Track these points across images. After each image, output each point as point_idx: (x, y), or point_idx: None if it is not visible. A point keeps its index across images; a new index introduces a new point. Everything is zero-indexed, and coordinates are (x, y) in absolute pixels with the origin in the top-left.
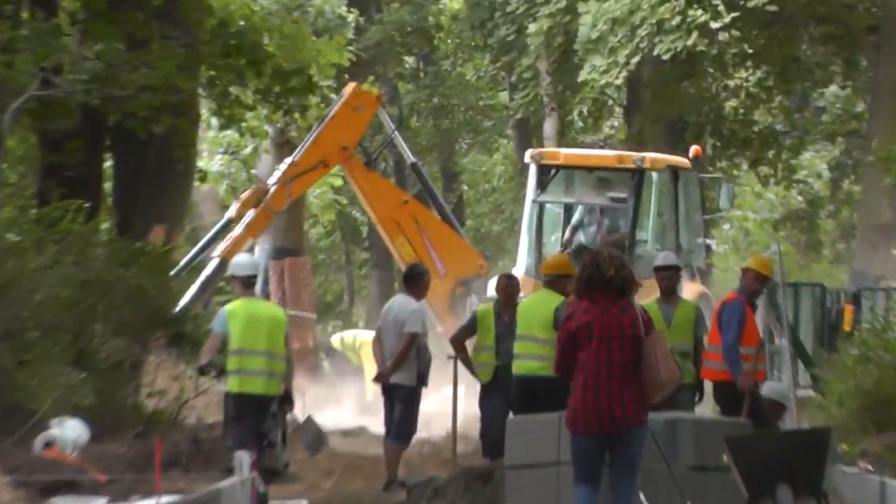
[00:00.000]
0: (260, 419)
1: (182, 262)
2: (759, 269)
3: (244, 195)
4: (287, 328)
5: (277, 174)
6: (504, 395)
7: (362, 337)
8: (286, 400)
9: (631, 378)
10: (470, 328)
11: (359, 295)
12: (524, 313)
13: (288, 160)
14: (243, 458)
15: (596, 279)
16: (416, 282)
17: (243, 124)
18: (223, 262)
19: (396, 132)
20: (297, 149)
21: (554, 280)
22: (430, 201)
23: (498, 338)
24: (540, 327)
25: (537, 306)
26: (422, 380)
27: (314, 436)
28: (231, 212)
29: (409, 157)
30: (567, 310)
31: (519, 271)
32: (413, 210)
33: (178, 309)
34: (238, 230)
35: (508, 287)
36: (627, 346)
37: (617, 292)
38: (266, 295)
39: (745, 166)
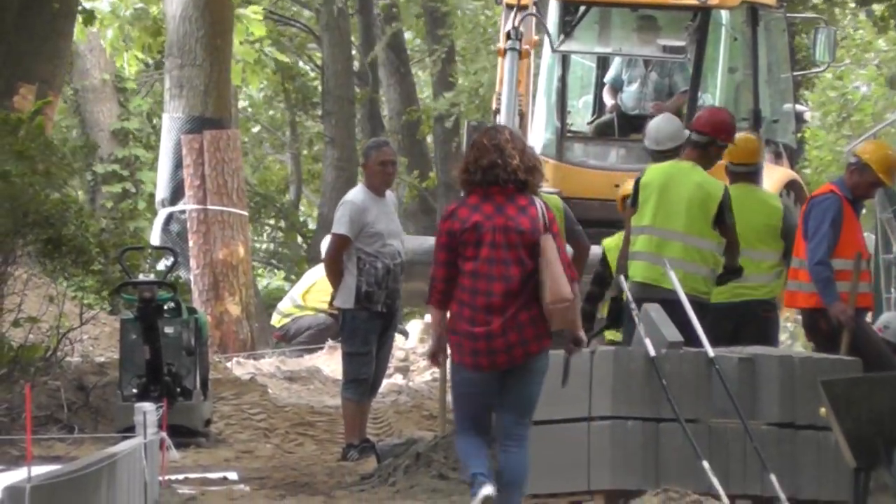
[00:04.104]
0: None
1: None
2: (877, 170)
3: None
4: None
5: None
6: None
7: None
8: None
9: (533, 297)
10: None
11: (308, 185)
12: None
13: None
14: (147, 411)
15: (499, 167)
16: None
17: None
18: None
19: None
20: None
21: (751, 172)
22: None
23: None
24: (758, 236)
25: (748, 208)
26: (368, 301)
27: None
28: None
29: None
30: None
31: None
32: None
33: None
34: None
35: None
36: (527, 255)
37: (518, 186)
38: (178, 183)
39: (851, 3)
